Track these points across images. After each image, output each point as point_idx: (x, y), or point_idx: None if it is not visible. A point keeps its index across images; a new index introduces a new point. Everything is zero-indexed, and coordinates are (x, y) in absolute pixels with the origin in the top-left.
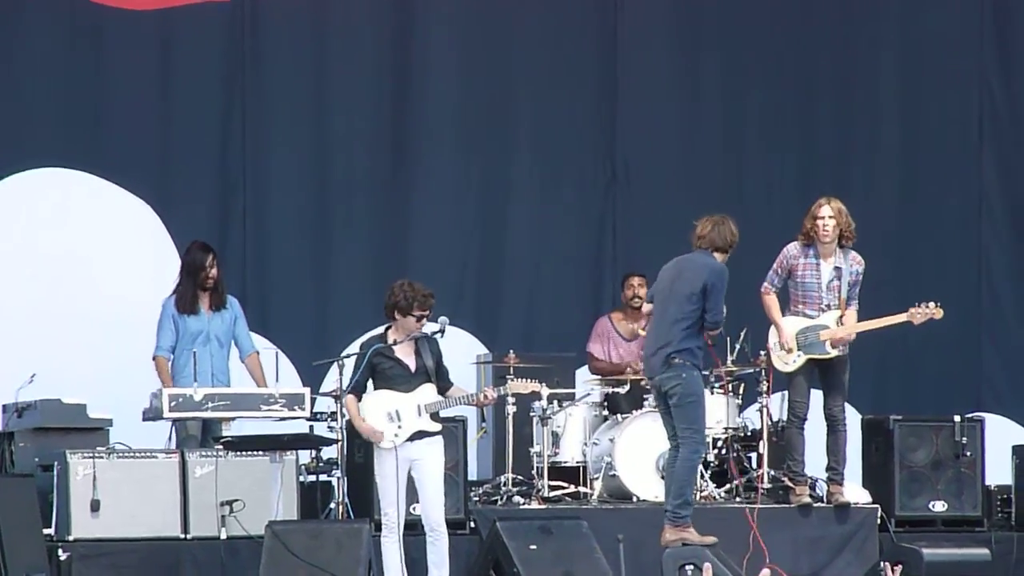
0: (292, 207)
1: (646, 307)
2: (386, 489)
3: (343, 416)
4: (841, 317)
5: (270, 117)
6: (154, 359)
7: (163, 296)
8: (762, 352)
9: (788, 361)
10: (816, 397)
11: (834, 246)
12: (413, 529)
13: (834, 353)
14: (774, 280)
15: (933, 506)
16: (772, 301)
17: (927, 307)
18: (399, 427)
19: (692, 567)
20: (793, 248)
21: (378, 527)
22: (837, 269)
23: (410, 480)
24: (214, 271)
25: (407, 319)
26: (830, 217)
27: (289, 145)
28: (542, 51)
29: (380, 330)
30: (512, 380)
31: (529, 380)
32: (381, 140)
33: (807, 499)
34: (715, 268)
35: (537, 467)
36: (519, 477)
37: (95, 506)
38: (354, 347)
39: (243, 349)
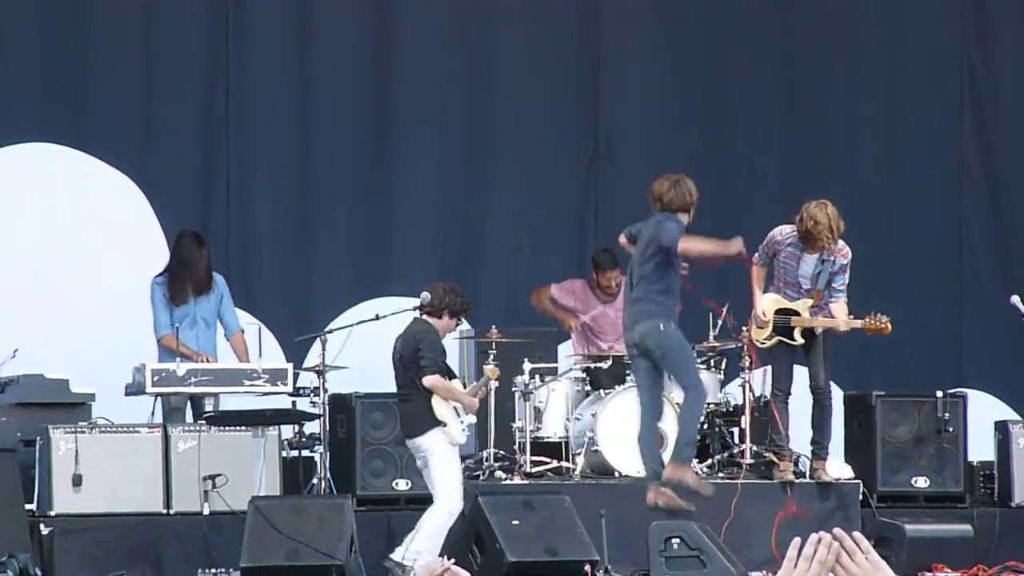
0: (275, 182)
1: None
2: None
3: (325, 391)
4: (813, 305)
5: (253, 93)
6: (159, 340)
7: (147, 272)
8: (744, 328)
9: (762, 337)
10: (801, 372)
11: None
12: (395, 504)
13: (800, 341)
14: (761, 255)
15: (915, 482)
16: (756, 272)
17: (879, 320)
18: (462, 422)
19: (678, 540)
20: (780, 233)
21: (361, 502)
22: (822, 261)
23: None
24: (205, 265)
25: (451, 321)
26: (826, 226)
27: (272, 120)
28: (523, 26)
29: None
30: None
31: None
32: (364, 116)
33: (790, 475)
34: (668, 226)
35: (519, 442)
36: (501, 452)
37: (77, 481)
38: (338, 322)
39: (228, 327)
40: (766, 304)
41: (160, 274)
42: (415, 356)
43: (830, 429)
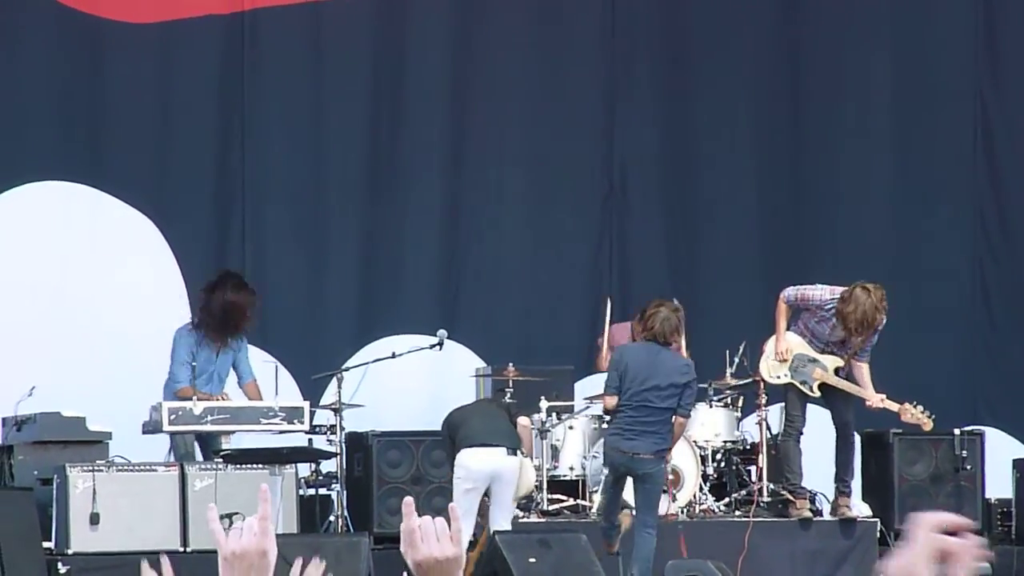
0: (290, 220)
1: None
2: None
3: (342, 429)
4: (840, 369)
5: (268, 130)
6: (176, 393)
7: (164, 310)
8: (759, 367)
9: (776, 374)
10: (820, 411)
11: None
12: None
13: (816, 394)
14: (791, 300)
15: None
16: (783, 310)
17: (920, 413)
18: None
19: None
20: (819, 299)
21: (378, 540)
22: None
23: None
24: (251, 314)
25: None
26: (862, 322)
27: (287, 158)
28: (536, 62)
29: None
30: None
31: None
32: (377, 154)
33: (807, 513)
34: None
35: (536, 480)
36: None
37: (94, 519)
38: (353, 360)
39: (243, 376)
40: (791, 343)
41: (193, 325)
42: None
43: (854, 466)
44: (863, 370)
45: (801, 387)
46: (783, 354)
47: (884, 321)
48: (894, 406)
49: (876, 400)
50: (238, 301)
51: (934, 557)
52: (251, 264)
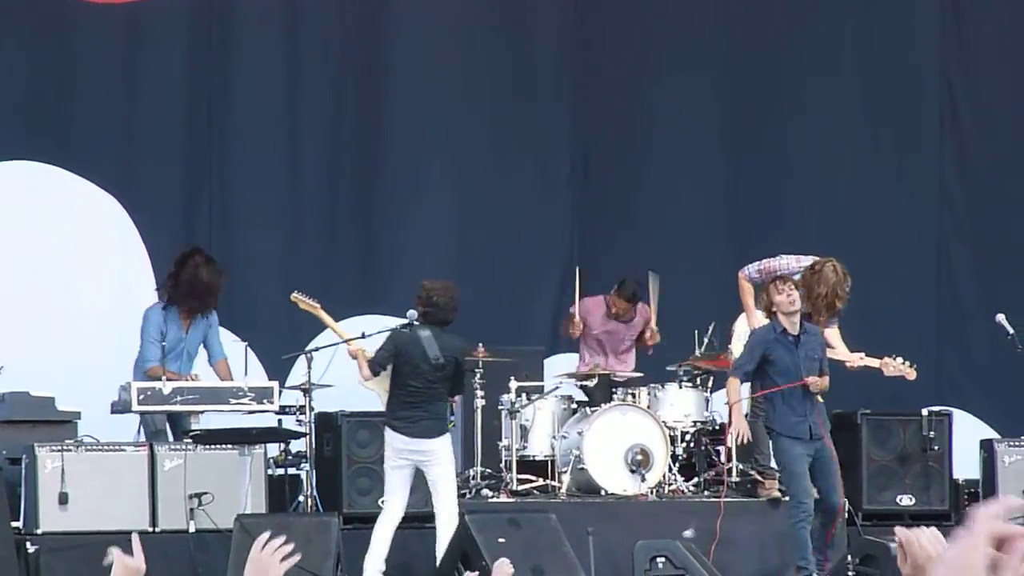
0: (258, 201)
1: None
2: None
3: (312, 409)
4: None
5: (237, 111)
6: (146, 372)
7: (132, 290)
8: (730, 348)
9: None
10: None
11: None
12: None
13: None
14: (753, 276)
15: (900, 500)
16: (747, 288)
17: (902, 363)
18: None
19: (663, 560)
20: (786, 268)
21: (347, 520)
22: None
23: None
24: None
25: None
26: (827, 298)
27: (256, 139)
28: (501, 45)
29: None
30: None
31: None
32: (346, 136)
33: (776, 493)
34: None
35: (506, 460)
36: (488, 470)
37: (63, 499)
38: (321, 340)
39: (213, 355)
40: (761, 320)
41: (163, 303)
42: (458, 369)
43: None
44: (834, 334)
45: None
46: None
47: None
48: (875, 362)
49: (855, 360)
50: (204, 275)
51: (992, 545)
52: (218, 244)
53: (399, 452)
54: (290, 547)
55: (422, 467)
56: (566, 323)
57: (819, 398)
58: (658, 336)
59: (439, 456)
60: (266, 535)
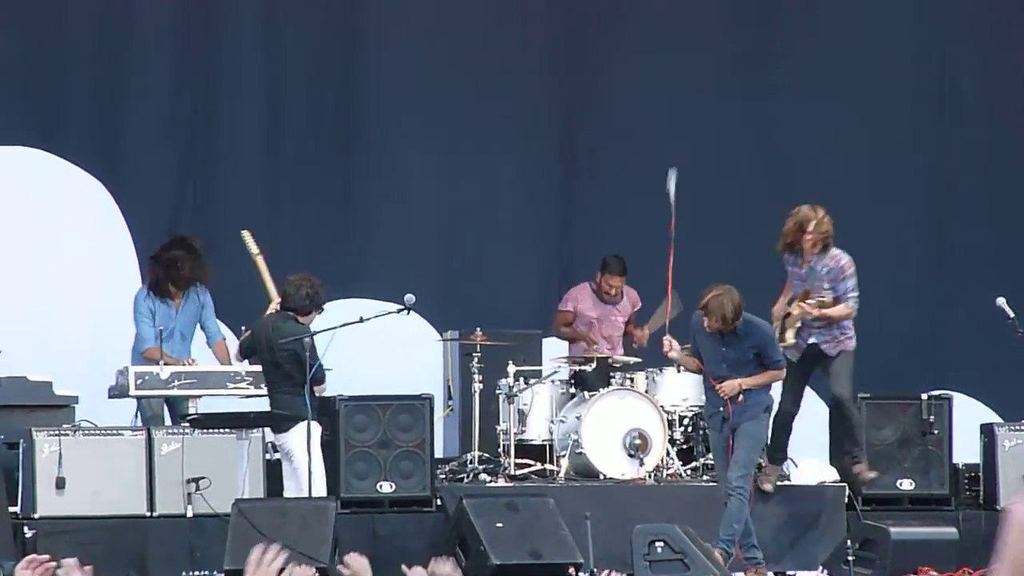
0: (243, 189)
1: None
2: None
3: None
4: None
5: (222, 95)
6: (143, 353)
7: (125, 276)
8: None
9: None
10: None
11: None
12: (380, 506)
13: (791, 341)
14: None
15: (900, 484)
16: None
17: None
18: None
19: (662, 544)
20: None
21: (345, 505)
22: (812, 270)
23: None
24: (187, 270)
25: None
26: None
27: (242, 122)
28: (488, 29)
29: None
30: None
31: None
32: (335, 120)
33: (768, 486)
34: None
35: (503, 445)
36: (485, 455)
37: (61, 484)
38: (319, 324)
39: (210, 336)
40: (777, 308)
41: (144, 286)
42: (297, 358)
43: (857, 435)
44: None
45: (785, 342)
46: (775, 317)
47: (842, 260)
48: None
49: (814, 311)
50: (182, 253)
51: None
52: (202, 229)
53: None
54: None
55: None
56: (557, 318)
57: (740, 398)
58: (646, 340)
59: (288, 451)
60: (260, 548)
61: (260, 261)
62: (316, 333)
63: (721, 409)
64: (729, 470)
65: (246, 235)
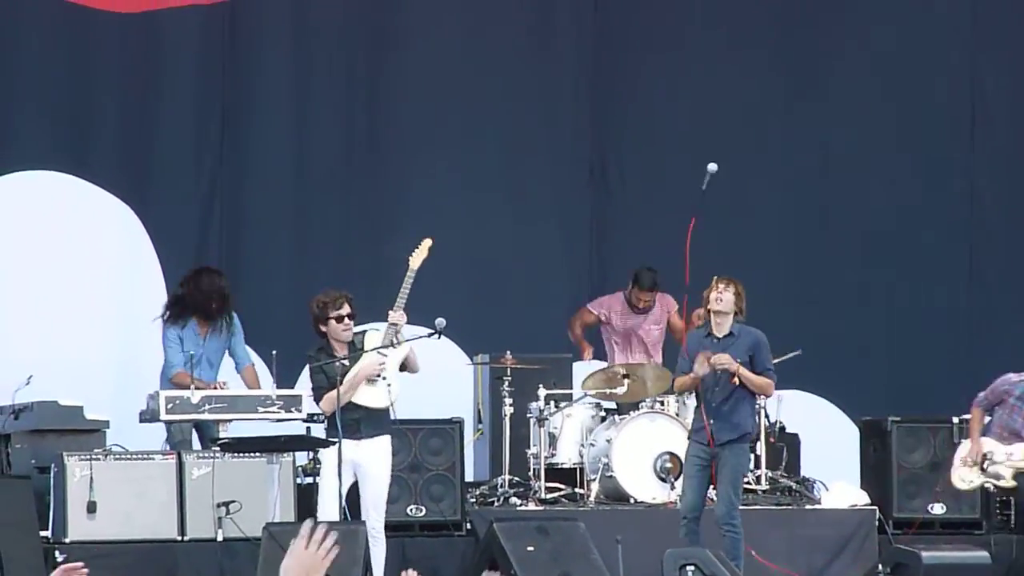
0: (269, 212)
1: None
2: None
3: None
4: None
5: (248, 120)
6: (172, 379)
7: (153, 301)
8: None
9: (969, 479)
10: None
11: None
12: (410, 530)
13: (1011, 483)
14: (983, 400)
15: (932, 508)
16: (976, 416)
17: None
18: None
19: (693, 567)
20: (1007, 382)
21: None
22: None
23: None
24: (213, 309)
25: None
26: None
27: (267, 147)
28: (517, 48)
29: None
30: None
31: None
32: (358, 143)
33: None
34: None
35: (534, 468)
36: (516, 478)
37: (92, 508)
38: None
39: (239, 361)
40: (981, 444)
41: (168, 316)
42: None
43: None
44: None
45: (997, 482)
46: (974, 456)
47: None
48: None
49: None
50: (204, 284)
51: None
52: (229, 253)
53: None
54: (333, 541)
55: None
56: (579, 314)
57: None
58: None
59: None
60: (310, 523)
61: (411, 277)
62: (347, 357)
63: (711, 424)
64: (716, 507)
65: (428, 244)
